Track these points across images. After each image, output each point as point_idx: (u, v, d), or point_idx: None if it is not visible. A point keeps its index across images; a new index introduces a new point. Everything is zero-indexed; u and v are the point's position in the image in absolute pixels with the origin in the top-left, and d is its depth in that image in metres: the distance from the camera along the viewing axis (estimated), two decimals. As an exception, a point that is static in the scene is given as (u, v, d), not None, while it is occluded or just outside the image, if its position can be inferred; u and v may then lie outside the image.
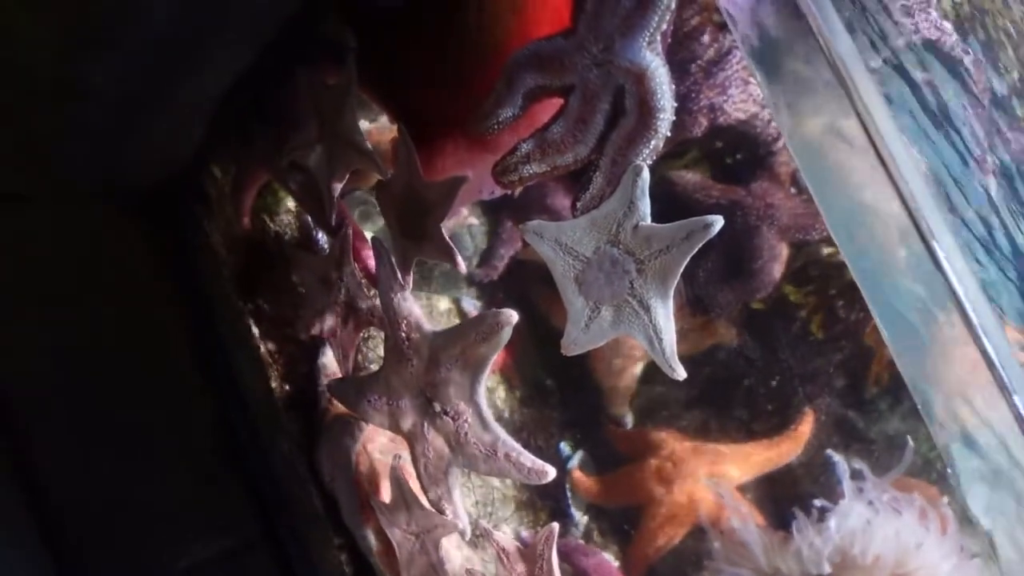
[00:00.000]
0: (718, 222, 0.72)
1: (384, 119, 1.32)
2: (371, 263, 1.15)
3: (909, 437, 1.41)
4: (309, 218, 1.31)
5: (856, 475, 1.32)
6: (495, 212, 1.59)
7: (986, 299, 0.76)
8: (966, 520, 1.30)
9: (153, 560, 1.23)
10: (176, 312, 1.34)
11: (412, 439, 0.97)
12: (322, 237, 1.32)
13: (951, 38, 1.28)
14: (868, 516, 1.29)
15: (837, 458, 1.36)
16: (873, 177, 0.74)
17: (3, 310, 1.16)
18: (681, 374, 0.76)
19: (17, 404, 1.17)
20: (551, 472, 0.90)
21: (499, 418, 1.00)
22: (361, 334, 1.19)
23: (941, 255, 0.74)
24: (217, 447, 1.32)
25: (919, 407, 0.82)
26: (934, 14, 1.28)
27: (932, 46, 1.26)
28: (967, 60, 1.27)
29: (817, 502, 1.30)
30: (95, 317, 1.25)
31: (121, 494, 1.20)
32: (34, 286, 1.21)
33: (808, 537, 1.28)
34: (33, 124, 1.05)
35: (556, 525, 1.00)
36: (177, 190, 1.29)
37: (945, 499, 1.39)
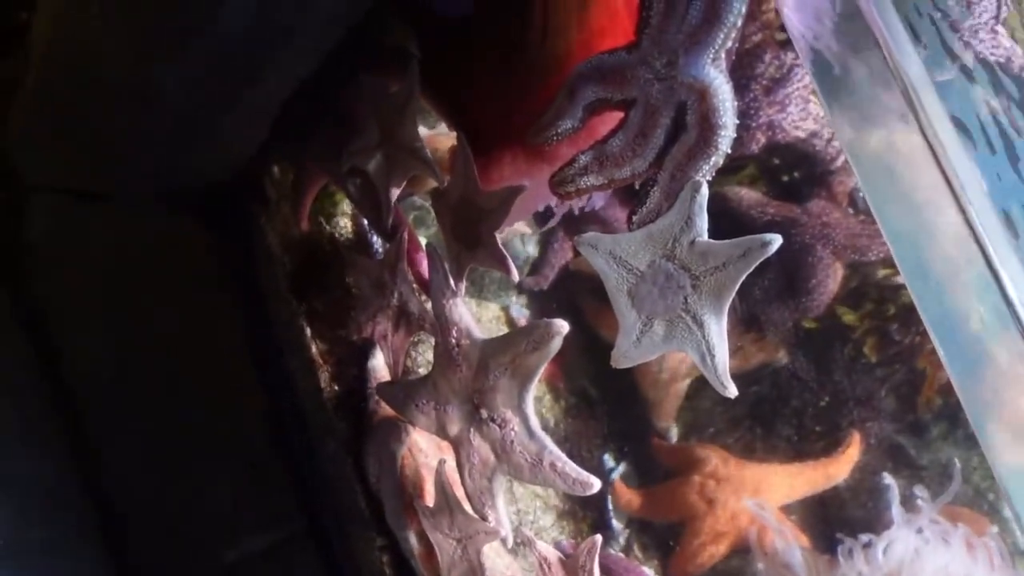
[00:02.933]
0: (776, 241, 0.71)
1: (443, 126, 1.34)
2: (424, 269, 1.16)
3: (956, 460, 1.38)
4: (365, 222, 1.33)
5: (909, 501, 1.30)
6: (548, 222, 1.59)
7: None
8: (1019, 552, 1.27)
9: (201, 552, 1.26)
10: (232, 310, 1.37)
11: (458, 445, 0.98)
12: (377, 241, 1.33)
13: (1018, 57, 1.25)
14: (917, 545, 1.26)
15: (889, 481, 1.34)
16: (937, 197, 0.73)
17: (70, 305, 1.20)
18: (732, 391, 0.75)
19: (79, 398, 1.20)
20: (596, 484, 0.89)
21: (544, 427, 1.00)
22: (412, 338, 1.20)
23: (1006, 278, 0.73)
24: (267, 444, 1.35)
25: (976, 433, 0.80)
26: (1001, 31, 1.25)
27: (1000, 67, 1.23)
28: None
29: (864, 537, 1.28)
30: (154, 314, 1.28)
31: (174, 487, 1.23)
32: (98, 281, 1.25)
33: (856, 564, 1.25)
34: (108, 127, 1.09)
35: (600, 537, 1.00)
36: (237, 191, 1.32)
37: (995, 529, 1.36)
